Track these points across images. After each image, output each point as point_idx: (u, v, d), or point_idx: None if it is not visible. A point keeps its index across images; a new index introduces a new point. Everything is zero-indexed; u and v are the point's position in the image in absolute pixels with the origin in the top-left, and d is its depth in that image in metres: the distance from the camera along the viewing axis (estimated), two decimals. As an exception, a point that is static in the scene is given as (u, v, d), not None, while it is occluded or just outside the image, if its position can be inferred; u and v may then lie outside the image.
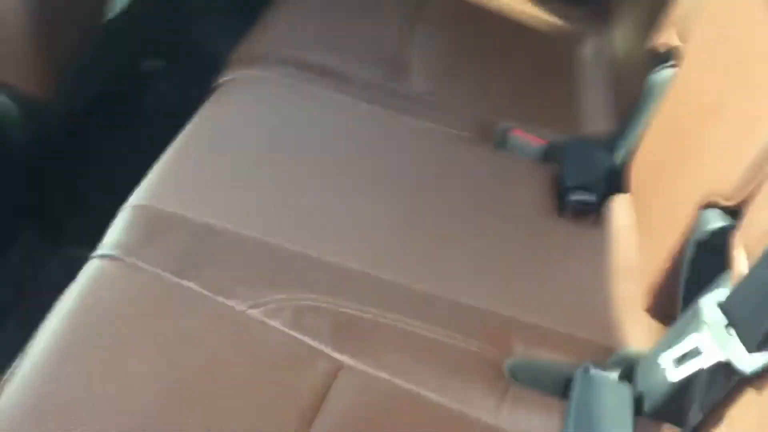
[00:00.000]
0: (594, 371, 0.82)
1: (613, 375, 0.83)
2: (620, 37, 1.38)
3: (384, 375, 0.79)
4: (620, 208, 1.05)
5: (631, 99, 1.21)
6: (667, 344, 0.78)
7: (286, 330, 0.81)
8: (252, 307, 0.82)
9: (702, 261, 0.81)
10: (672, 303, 0.87)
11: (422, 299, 0.86)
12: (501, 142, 1.15)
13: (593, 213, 1.07)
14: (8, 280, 1.28)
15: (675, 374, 0.74)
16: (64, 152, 1.45)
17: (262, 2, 1.44)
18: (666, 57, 1.10)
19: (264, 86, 1.15)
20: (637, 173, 1.04)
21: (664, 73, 1.09)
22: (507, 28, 1.40)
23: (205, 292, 0.82)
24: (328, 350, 0.80)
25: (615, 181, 1.09)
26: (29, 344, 0.79)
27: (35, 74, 1.23)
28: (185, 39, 1.79)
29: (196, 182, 0.95)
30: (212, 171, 0.97)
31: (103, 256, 0.85)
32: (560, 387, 0.83)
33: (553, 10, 1.46)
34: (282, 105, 1.12)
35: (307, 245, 0.89)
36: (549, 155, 1.13)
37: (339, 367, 0.79)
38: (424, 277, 0.89)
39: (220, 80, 1.20)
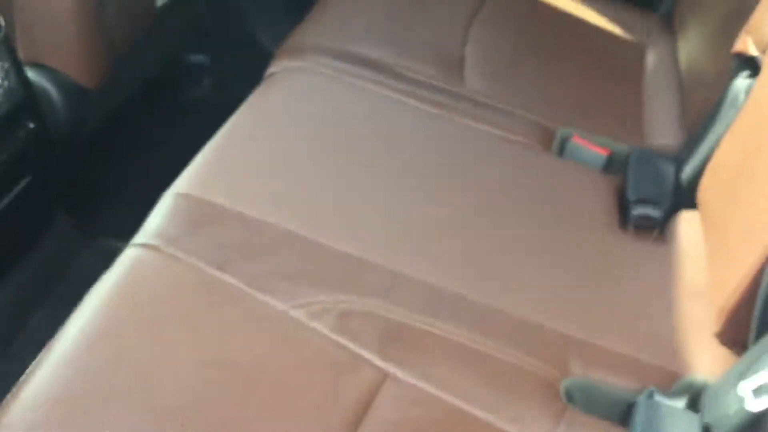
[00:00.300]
0: (659, 398, 0.77)
1: (679, 403, 0.77)
2: (688, 46, 1.32)
3: (432, 388, 0.75)
4: (687, 225, 1.00)
5: (699, 111, 1.15)
6: (742, 373, 0.72)
7: (330, 334, 0.76)
8: (295, 306, 0.78)
9: (783, 284, 0.75)
10: (744, 329, 0.81)
11: (477, 310, 0.82)
12: (560, 149, 1.10)
13: (656, 229, 1.01)
14: (40, 270, 1.26)
15: (752, 405, 0.69)
16: (105, 141, 1.43)
17: (312, 0, 1.41)
18: (741, 67, 1.05)
19: (313, 78, 1.12)
20: (708, 188, 0.98)
21: (740, 84, 1.03)
22: (569, 31, 1.36)
23: (246, 288, 0.79)
24: (373, 358, 0.76)
25: (681, 197, 1.04)
26: (59, 331, 0.76)
27: (80, 61, 1.21)
28: (232, 33, 1.77)
29: (241, 173, 0.92)
30: (258, 163, 0.94)
31: (141, 245, 0.82)
32: (620, 413, 0.78)
33: (617, 16, 1.41)
34: (331, 98, 1.08)
35: (356, 246, 0.85)
36: (611, 166, 1.08)
37: (384, 376, 0.75)
38: (480, 287, 0.84)
39: (268, 71, 1.17)
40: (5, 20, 1.09)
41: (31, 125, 1.15)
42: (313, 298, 0.79)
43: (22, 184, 1.15)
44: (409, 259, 0.85)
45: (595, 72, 1.28)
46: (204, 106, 1.73)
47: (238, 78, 1.75)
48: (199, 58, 1.78)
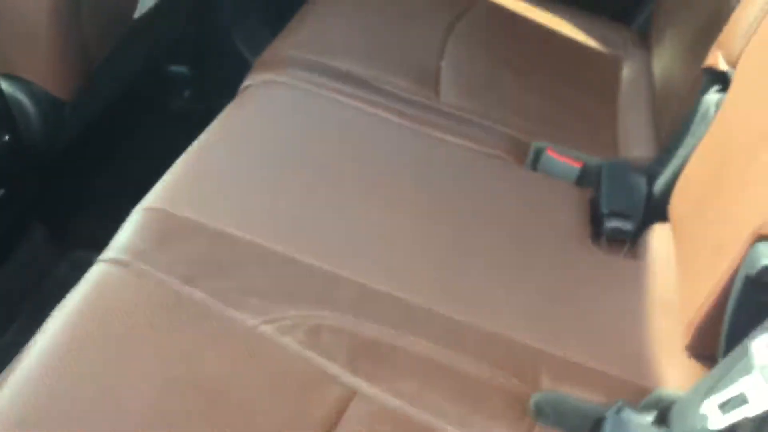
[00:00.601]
0: (627, 412, 0.76)
1: (648, 418, 0.77)
2: (662, 60, 1.33)
3: (401, 404, 0.74)
4: (659, 238, 1.00)
5: (672, 124, 1.16)
6: (710, 388, 0.72)
7: (300, 349, 0.76)
8: (265, 322, 0.77)
9: (751, 298, 0.75)
10: (714, 342, 0.81)
11: (447, 325, 0.81)
12: (534, 162, 1.10)
13: (628, 242, 1.01)
14: (14, 282, 1.24)
15: (718, 421, 0.68)
16: (81, 153, 1.42)
17: (293, 10, 1.41)
18: (712, 82, 1.05)
19: (288, 92, 1.11)
20: (679, 202, 0.98)
21: (710, 99, 1.04)
22: (545, 45, 1.36)
23: (216, 303, 0.78)
24: (342, 373, 0.75)
25: (653, 210, 1.04)
26: (23, 349, 0.75)
27: (55, 72, 1.20)
28: (213, 44, 1.77)
29: (213, 187, 0.91)
30: (231, 177, 0.93)
31: (109, 260, 0.81)
32: (590, 427, 0.78)
33: (594, 30, 1.41)
34: (307, 112, 1.08)
35: (328, 260, 0.84)
36: (584, 178, 1.08)
37: (353, 393, 0.74)
38: (450, 301, 0.84)
39: (244, 84, 1.16)
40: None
41: (6, 138, 1.14)
42: (283, 314, 0.78)
43: (-3, 197, 1.14)
44: (380, 274, 0.85)
45: (571, 85, 1.28)
46: (185, 117, 1.72)
47: (219, 89, 1.74)
48: (179, 69, 1.78)
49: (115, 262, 0.80)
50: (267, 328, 0.77)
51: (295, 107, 1.09)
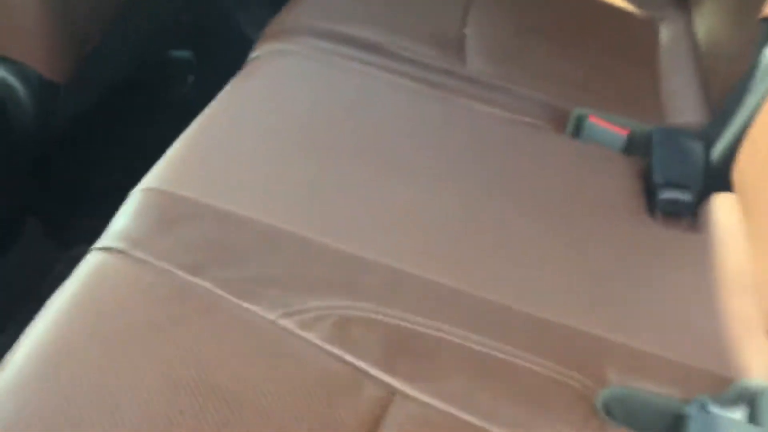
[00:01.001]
0: (714, 409, 0.64)
1: (738, 414, 0.65)
2: (706, 18, 1.20)
3: (447, 406, 0.62)
4: (722, 209, 0.87)
5: (724, 85, 1.03)
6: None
7: (326, 345, 0.64)
8: (284, 315, 0.65)
9: None
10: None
11: (495, 313, 0.69)
12: (576, 131, 0.97)
13: (688, 214, 0.89)
14: (9, 282, 1.13)
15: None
16: (78, 142, 1.31)
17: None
18: (772, 35, 0.93)
19: (299, 61, 0.99)
20: (745, 169, 0.86)
21: (772, 54, 0.91)
22: (574, 7, 1.23)
23: (226, 295, 0.66)
24: (377, 372, 0.63)
25: (714, 178, 0.91)
26: (11, 349, 0.64)
27: (46, 52, 1.08)
28: (217, 27, 1.65)
29: (219, 165, 0.79)
30: (238, 152, 0.81)
31: (104, 248, 0.69)
32: (668, 426, 0.66)
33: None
34: (320, 81, 0.96)
35: (352, 242, 0.72)
36: (632, 146, 0.96)
37: (391, 393, 0.62)
38: (497, 285, 0.72)
39: (251, 56, 1.05)
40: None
41: (-8, 124, 1.03)
42: (304, 305, 0.66)
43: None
44: (413, 257, 0.73)
45: (607, 50, 1.16)
46: (188, 104, 1.60)
47: (224, 74, 1.63)
48: (182, 53, 1.66)
49: (110, 250, 0.68)
50: (287, 323, 0.65)
51: (308, 76, 0.97)
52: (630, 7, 1.28)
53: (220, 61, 1.67)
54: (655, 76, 1.14)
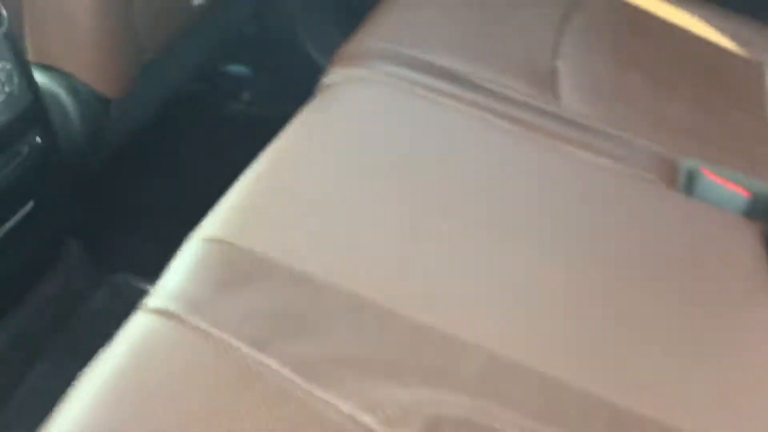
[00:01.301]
0: None
1: None
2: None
3: None
4: None
5: None
6: None
7: (416, 452, 0.52)
8: (365, 409, 0.54)
9: None
10: None
11: (618, 417, 0.57)
12: (688, 185, 0.85)
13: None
14: (44, 310, 1.03)
15: None
16: (127, 160, 1.21)
17: (366, 8, 1.19)
18: None
19: (377, 90, 0.88)
20: None
21: None
22: (675, 44, 1.11)
23: (295, 379, 0.55)
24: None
25: None
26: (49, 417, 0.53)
27: (101, 66, 0.98)
28: (278, 42, 1.54)
29: (291, 213, 0.68)
30: (313, 200, 0.69)
31: (156, 311, 0.58)
32: None
33: (730, 29, 1.16)
34: (400, 114, 0.84)
35: (448, 320, 0.60)
36: (757, 210, 0.83)
37: None
38: (615, 381, 0.59)
39: (322, 82, 0.94)
40: (12, 12, 0.87)
41: (38, 140, 0.93)
42: (389, 396, 0.55)
43: (24, 211, 0.92)
44: (517, 341, 0.61)
45: (714, 93, 1.03)
46: (242, 122, 1.51)
47: (281, 92, 1.53)
48: (239, 68, 1.56)
49: (163, 313, 0.57)
50: (368, 420, 0.53)
51: (387, 108, 0.85)
52: (733, 46, 1.15)
53: (278, 78, 1.57)
54: (765, 125, 1.01)
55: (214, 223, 0.64)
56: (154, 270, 1.10)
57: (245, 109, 1.54)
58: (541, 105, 0.92)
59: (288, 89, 1.52)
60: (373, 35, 1.00)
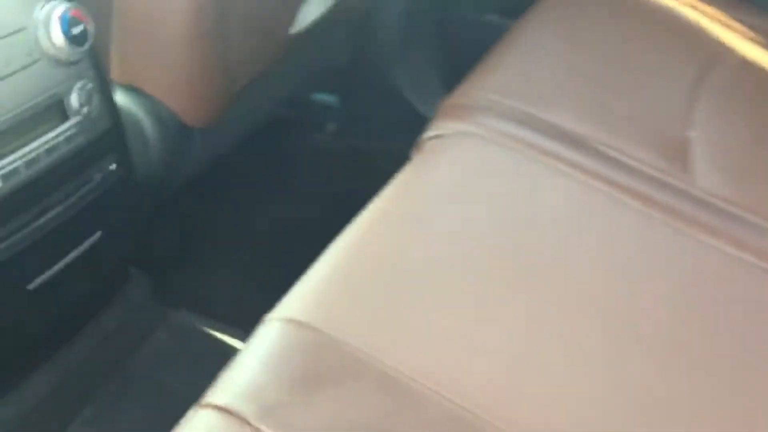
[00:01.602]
0: None
1: None
2: None
3: None
4: None
5: None
6: None
7: None
8: None
9: None
10: None
11: None
12: None
13: None
14: (100, 347, 0.94)
15: None
16: (201, 189, 1.13)
17: (468, 55, 1.08)
18: None
19: (486, 149, 0.77)
20: None
21: None
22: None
23: None
24: None
25: None
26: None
27: (190, 95, 0.90)
28: (368, 72, 1.45)
29: (388, 299, 0.56)
30: (415, 284, 0.58)
31: (222, 409, 0.48)
32: None
33: None
34: (516, 183, 0.73)
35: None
36: None
37: None
38: None
39: (425, 136, 0.83)
40: (98, 29, 0.79)
41: (112, 167, 0.85)
42: None
43: (90, 242, 0.84)
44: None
45: None
46: (325, 155, 1.42)
47: (368, 127, 1.43)
48: (326, 97, 1.47)
49: (230, 414, 0.47)
50: None
51: (500, 173, 0.74)
52: None
53: (366, 112, 1.48)
54: None
55: (297, 302, 0.54)
56: (220, 310, 1.00)
57: (329, 141, 1.45)
58: (672, 181, 0.80)
59: (375, 125, 1.43)
60: (484, 86, 0.89)
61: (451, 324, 0.55)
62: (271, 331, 0.52)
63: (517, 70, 0.92)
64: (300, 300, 0.54)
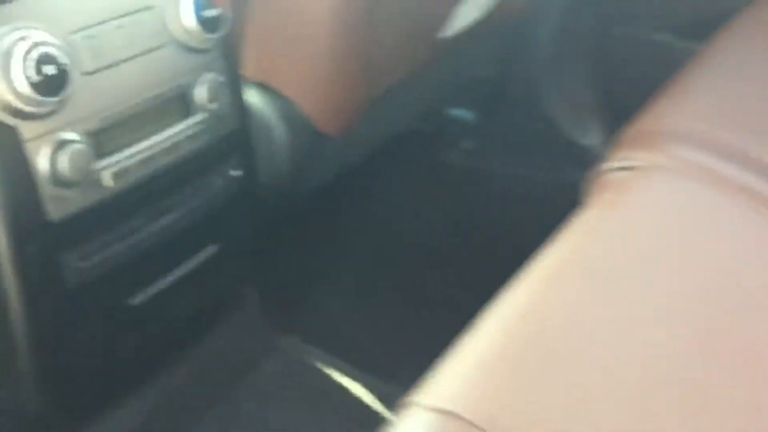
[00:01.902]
0: None
1: None
2: None
3: None
4: None
5: None
6: None
7: None
8: None
9: None
10: None
11: None
12: None
13: None
14: (205, 373, 0.83)
15: None
16: (325, 203, 1.02)
17: (637, 72, 0.92)
18: None
19: (684, 187, 0.61)
20: None
21: None
22: None
23: None
24: None
25: None
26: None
27: (328, 100, 0.80)
28: (510, 93, 1.31)
29: (568, 392, 0.42)
30: (609, 376, 0.43)
31: None
32: None
33: None
34: (723, 227, 0.57)
35: None
36: None
37: None
38: None
39: (603, 167, 0.68)
40: (234, 19, 0.69)
41: (234, 173, 0.74)
42: None
43: (203, 255, 0.74)
44: None
45: None
46: (458, 174, 1.28)
47: (506, 148, 1.29)
48: (463, 113, 1.34)
49: None
50: None
51: (704, 216, 0.58)
52: None
53: (506, 132, 1.33)
54: None
55: (451, 387, 0.40)
56: (335, 344, 0.87)
57: (463, 160, 1.32)
58: None
59: (514, 146, 1.28)
60: (675, 111, 0.73)
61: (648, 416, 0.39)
62: (414, 421, 0.38)
63: (716, 95, 0.75)
64: (442, 384, 0.40)
